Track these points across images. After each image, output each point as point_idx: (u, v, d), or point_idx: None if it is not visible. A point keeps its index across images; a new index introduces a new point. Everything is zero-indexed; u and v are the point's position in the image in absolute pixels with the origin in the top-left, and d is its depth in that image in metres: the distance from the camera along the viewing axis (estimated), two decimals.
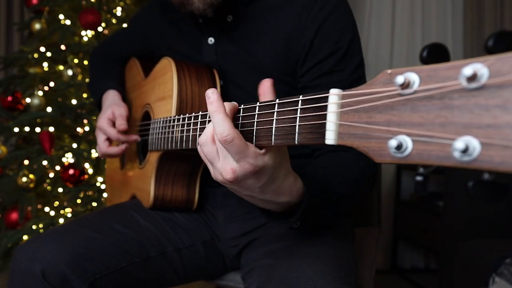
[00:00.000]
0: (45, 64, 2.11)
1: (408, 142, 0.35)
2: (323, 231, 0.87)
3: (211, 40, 0.99)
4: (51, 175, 2.06)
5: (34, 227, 1.91)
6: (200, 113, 0.73)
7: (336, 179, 0.78)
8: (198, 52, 1.02)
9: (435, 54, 0.36)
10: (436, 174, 2.71)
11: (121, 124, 1.04)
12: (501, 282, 1.68)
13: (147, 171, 1.02)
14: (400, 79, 0.35)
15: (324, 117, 0.43)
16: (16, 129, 2.08)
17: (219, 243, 1.03)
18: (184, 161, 0.99)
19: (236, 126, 0.60)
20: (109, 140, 1.07)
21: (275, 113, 0.52)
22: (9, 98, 2.11)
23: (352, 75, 0.89)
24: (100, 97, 1.17)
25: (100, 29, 2.10)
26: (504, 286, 1.67)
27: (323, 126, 0.44)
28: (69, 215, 2.00)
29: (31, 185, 2.04)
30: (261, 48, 0.94)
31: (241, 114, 0.60)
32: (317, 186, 0.71)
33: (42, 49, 2.12)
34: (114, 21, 2.15)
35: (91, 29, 2.06)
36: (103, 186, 2.01)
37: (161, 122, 0.92)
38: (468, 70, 0.31)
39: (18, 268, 0.84)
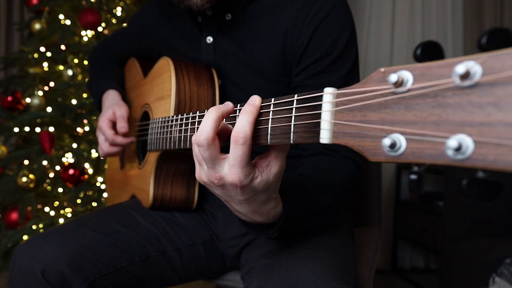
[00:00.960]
0: (45, 64, 2.12)
1: (402, 141, 0.35)
2: (323, 231, 0.87)
3: (209, 39, 0.99)
4: (51, 175, 2.06)
5: (34, 227, 1.91)
6: (198, 113, 0.73)
7: (320, 191, 0.77)
8: (197, 51, 1.02)
9: (429, 52, 0.36)
10: (436, 174, 2.71)
11: (122, 126, 1.04)
12: (501, 282, 1.68)
13: (147, 171, 1.02)
14: (393, 78, 0.35)
15: (318, 116, 0.43)
16: (16, 129, 2.08)
17: (219, 242, 1.03)
18: (183, 161, 0.99)
19: (232, 126, 0.60)
20: None
21: (271, 112, 0.52)
22: (9, 98, 2.11)
23: (345, 76, 0.89)
24: (100, 97, 1.17)
25: (100, 29, 2.10)
26: (504, 286, 1.67)
27: (317, 125, 0.44)
28: (69, 215, 2.00)
29: (31, 185, 2.04)
30: (258, 47, 0.94)
31: (237, 115, 0.60)
32: (298, 204, 0.70)
33: (42, 49, 2.12)
34: (114, 21, 2.15)
35: (91, 29, 2.06)
36: (103, 186, 2.01)
37: (160, 122, 0.92)
38: (461, 68, 0.31)
39: (18, 268, 0.85)
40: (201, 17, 1.00)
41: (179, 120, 0.81)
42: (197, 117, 0.73)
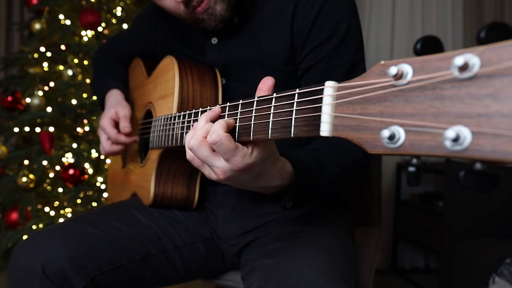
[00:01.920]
0: (45, 64, 2.12)
1: (400, 133, 0.35)
2: (324, 231, 0.87)
3: (214, 40, 1.00)
4: (51, 175, 2.06)
5: (34, 227, 1.91)
6: (200, 109, 0.73)
7: (330, 160, 0.80)
8: (201, 51, 1.02)
9: (428, 46, 0.36)
10: (436, 174, 2.71)
11: (125, 126, 1.05)
12: (501, 282, 1.69)
13: (148, 169, 1.03)
14: (393, 70, 0.35)
15: (319, 109, 0.44)
16: (16, 129, 2.08)
17: (219, 241, 1.03)
18: (185, 159, 0.98)
19: (234, 121, 0.62)
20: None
21: (272, 107, 0.53)
22: (9, 98, 2.11)
23: (351, 59, 0.89)
24: (103, 97, 1.18)
25: (100, 29, 2.10)
26: (504, 286, 1.67)
27: (318, 118, 0.44)
28: (69, 215, 2.00)
29: (31, 185, 2.04)
30: (267, 36, 0.94)
31: (239, 110, 0.60)
32: (309, 166, 0.74)
33: (42, 49, 2.12)
34: (114, 21, 2.15)
35: (91, 29, 2.06)
36: (103, 186, 2.01)
37: (162, 120, 0.92)
38: (459, 60, 0.31)
39: (18, 265, 0.85)
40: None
41: (181, 117, 0.81)
42: (199, 114, 0.73)
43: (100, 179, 2.03)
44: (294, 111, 0.49)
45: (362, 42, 0.93)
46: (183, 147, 0.81)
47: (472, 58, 0.31)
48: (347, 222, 1.01)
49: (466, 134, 0.31)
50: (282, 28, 0.92)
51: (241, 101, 0.61)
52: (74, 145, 2.04)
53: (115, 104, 1.09)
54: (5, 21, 3.08)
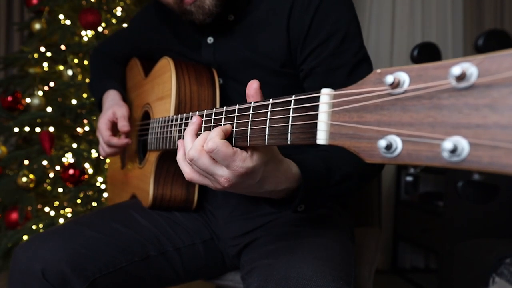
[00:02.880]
0: (45, 64, 2.11)
1: (398, 142, 0.35)
2: (323, 231, 0.87)
3: (210, 40, 0.99)
4: (51, 175, 2.06)
5: (34, 227, 1.92)
6: (197, 112, 0.73)
7: (338, 158, 0.78)
8: (197, 51, 1.02)
9: (426, 53, 0.36)
10: (436, 174, 2.71)
11: (124, 125, 1.04)
12: (501, 282, 1.68)
13: (147, 171, 1.03)
14: (390, 79, 0.35)
15: (315, 117, 0.44)
16: (16, 129, 2.08)
17: (219, 242, 1.03)
18: None
19: (231, 126, 0.61)
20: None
21: (269, 113, 0.53)
22: (9, 98, 2.11)
23: (355, 56, 0.87)
24: (101, 97, 1.18)
25: (100, 29, 2.10)
26: (504, 286, 1.66)
27: (314, 126, 0.44)
28: (69, 215, 2.00)
29: (31, 185, 2.04)
30: (263, 37, 0.93)
31: (236, 114, 0.60)
32: (317, 166, 0.72)
33: (42, 49, 2.12)
34: (114, 21, 2.15)
35: (91, 29, 2.06)
36: (103, 186, 2.01)
37: (160, 122, 0.92)
38: (456, 70, 0.31)
39: (18, 268, 0.85)
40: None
41: (178, 120, 0.81)
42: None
43: (100, 179, 2.03)
44: (290, 117, 0.48)
45: (363, 40, 0.91)
46: None
47: (470, 68, 0.31)
48: (347, 222, 1.00)
49: (464, 145, 0.31)
50: (278, 28, 0.91)
51: (237, 106, 0.60)
52: (74, 145, 2.04)
53: (113, 105, 1.09)
54: (5, 21, 3.08)
